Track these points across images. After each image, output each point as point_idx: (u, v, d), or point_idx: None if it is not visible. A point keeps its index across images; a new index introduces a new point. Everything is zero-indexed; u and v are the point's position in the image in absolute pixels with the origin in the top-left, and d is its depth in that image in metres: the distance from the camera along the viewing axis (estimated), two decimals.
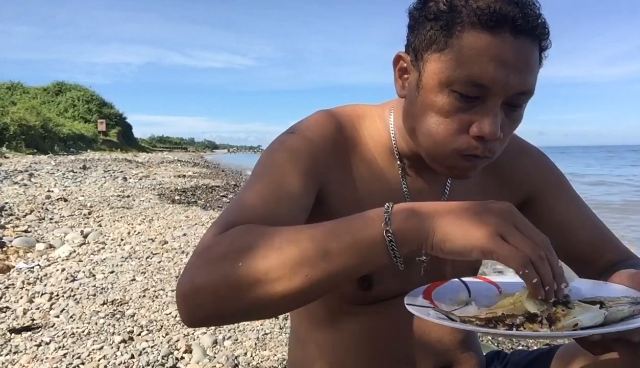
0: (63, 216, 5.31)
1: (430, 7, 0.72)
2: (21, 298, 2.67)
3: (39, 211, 5.46)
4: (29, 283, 2.93)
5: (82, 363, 1.93)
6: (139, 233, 4.57)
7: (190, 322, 0.64)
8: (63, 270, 3.21)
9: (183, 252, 3.78)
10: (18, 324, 2.31)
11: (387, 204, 0.60)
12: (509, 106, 0.72)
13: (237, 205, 0.73)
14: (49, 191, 7.42)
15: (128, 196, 7.33)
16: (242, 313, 0.63)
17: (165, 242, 4.13)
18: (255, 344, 2.14)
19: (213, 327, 2.27)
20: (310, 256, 0.59)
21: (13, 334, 2.19)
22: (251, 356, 2.03)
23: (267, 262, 0.59)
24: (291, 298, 0.60)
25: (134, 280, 3.05)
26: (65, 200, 6.49)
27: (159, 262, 3.47)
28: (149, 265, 3.38)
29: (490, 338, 2.34)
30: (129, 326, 2.30)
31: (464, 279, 0.73)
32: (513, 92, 0.69)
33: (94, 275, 3.13)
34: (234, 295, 0.60)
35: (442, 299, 0.66)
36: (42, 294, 2.73)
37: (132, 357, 1.98)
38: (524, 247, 0.54)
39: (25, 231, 4.43)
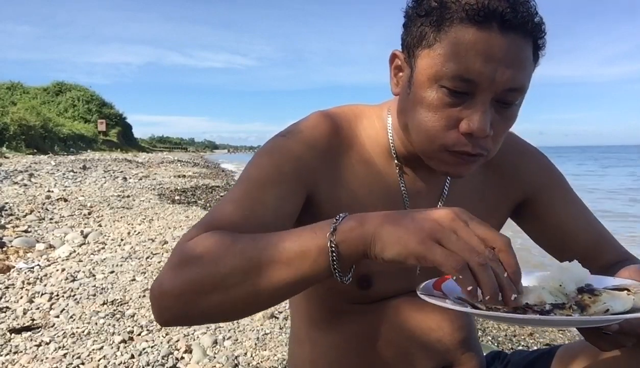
0: (63, 216, 5.30)
1: (422, 5, 0.72)
2: (21, 298, 2.67)
3: (39, 211, 5.46)
4: (29, 283, 2.93)
5: (82, 363, 1.93)
6: (139, 233, 4.57)
7: (161, 321, 0.66)
8: (63, 270, 3.21)
9: None
10: (18, 324, 2.31)
11: (339, 214, 0.60)
12: (500, 103, 0.71)
13: (216, 210, 0.74)
14: (49, 191, 7.42)
15: (128, 196, 7.33)
16: (204, 316, 0.65)
17: (165, 242, 4.12)
18: (255, 344, 2.14)
19: (213, 327, 2.27)
20: (259, 265, 0.60)
21: (13, 334, 2.19)
22: (251, 356, 2.03)
23: (221, 269, 0.61)
24: (245, 304, 0.62)
25: (134, 280, 3.05)
26: (65, 200, 6.49)
27: (159, 262, 3.47)
28: (149, 265, 3.38)
29: (490, 338, 2.34)
30: (129, 326, 2.30)
31: None
32: (502, 88, 0.69)
33: (94, 275, 3.12)
34: (193, 299, 0.62)
35: (451, 293, 0.65)
36: (42, 294, 2.73)
37: (132, 357, 1.98)
38: (460, 250, 0.52)
39: (25, 231, 4.43)
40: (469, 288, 0.52)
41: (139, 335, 2.22)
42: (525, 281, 0.64)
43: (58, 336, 2.16)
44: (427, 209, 0.57)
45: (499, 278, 0.52)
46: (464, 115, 0.70)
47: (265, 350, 2.09)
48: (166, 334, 2.21)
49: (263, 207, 0.74)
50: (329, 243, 0.57)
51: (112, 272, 3.20)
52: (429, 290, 0.65)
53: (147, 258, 3.59)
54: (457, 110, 0.71)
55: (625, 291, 0.59)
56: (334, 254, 0.57)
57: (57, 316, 2.42)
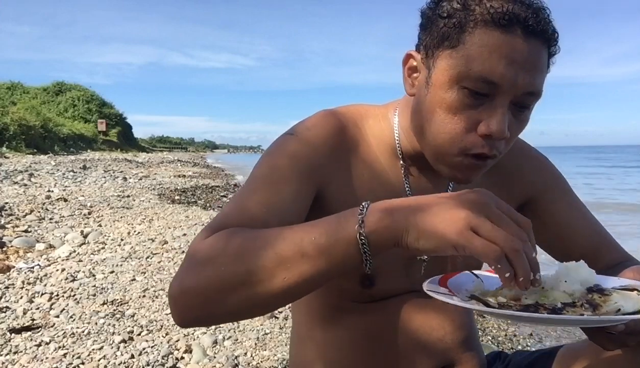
0: (63, 216, 5.30)
1: (444, 6, 0.73)
2: (21, 298, 2.67)
3: (39, 211, 5.46)
4: (29, 283, 2.92)
5: (82, 363, 1.93)
6: (139, 233, 4.56)
7: (181, 322, 0.65)
8: (63, 270, 3.21)
9: (183, 252, 3.78)
10: (18, 324, 2.30)
11: (363, 203, 0.60)
12: (517, 107, 0.72)
13: (228, 209, 0.74)
14: (49, 191, 7.42)
15: (128, 196, 7.33)
16: (229, 314, 0.64)
17: (165, 242, 4.12)
18: (255, 344, 2.13)
19: (213, 327, 2.27)
20: (287, 259, 0.59)
21: (13, 334, 2.19)
22: (251, 356, 2.03)
23: (247, 265, 0.60)
24: (273, 299, 0.61)
25: (134, 280, 3.05)
26: (65, 200, 6.49)
27: (159, 262, 3.47)
28: (149, 265, 3.38)
29: (491, 338, 2.34)
30: (129, 326, 2.30)
31: (475, 271, 0.73)
32: (521, 92, 0.70)
33: (94, 275, 3.12)
34: (219, 297, 0.61)
35: (458, 289, 0.66)
36: (42, 294, 2.73)
37: (132, 357, 1.98)
38: (497, 240, 0.53)
39: (25, 231, 4.42)
40: (507, 274, 0.53)
41: (139, 335, 2.22)
42: None
43: (58, 336, 2.16)
44: (458, 193, 0.58)
45: (530, 259, 0.54)
46: (483, 117, 0.71)
47: (265, 350, 2.09)
48: (166, 334, 2.21)
49: (275, 205, 0.73)
50: (358, 236, 0.57)
51: (112, 272, 3.20)
52: (435, 287, 0.65)
53: (147, 258, 3.59)
54: (476, 112, 0.71)
55: (635, 292, 0.59)
56: (365, 247, 0.57)
57: (57, 316, 2.42)
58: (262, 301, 0.61)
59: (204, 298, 0.61)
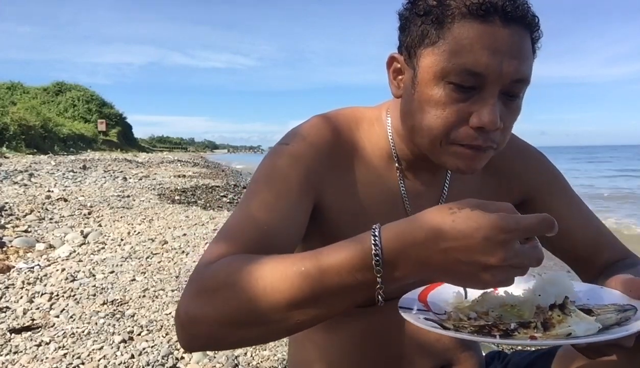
0: (63, 216, 5.30)
1: (419, 5, 0.73)
2: (21, 298, 2.67)
3: (39, 211, 5.46)
4: (29, 283, 2.93)
5: (82, 363, 1.93)
6: (139, 233, 4.56)
7: (188, 349, 0.66)
8: (63, 270, 3.21)
9: (183, 252, 3.78)
10: (18, 324, 2.31)
11: (374, 254, 0.56)
12: (507, 96, 0.72)
13: (233, 221, 0.74)
14: (49, 191, 7.42)
15: (128, 196, 7.33)
16: (239, 344, 0.66)
17: (165, 242, 4.13)
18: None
19: None
20: (300, 303, 0.59)
21: (13, 334, 2.19)
22: (251, 356, 2.03)
23: (258, 307, 0.59)
24: (284, 334, 0.64)
25: (134, 280, 3.05)
26: (65, 200, 6.49)
27: (159, 262, 3.47)
28: (149, 265, 3.38)
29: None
30: (129, 326, 2.30)
31: None
32: (509, 80, 0.69)
33: (94, 275, 3.12)
34: (228, 331, 0.61)
35: (437, 302, 0.67)
36: (42, 294, 2.73)
37: (132, 357, 1.98)
38: (518, 271, 0.55)
39: (25, 231, 4.42)
40: None
41: (139, 335, 2.22)
42: (516, 291, 0.66)
43: (58, 336, 2.17)
44: (473, 253, 0.52)
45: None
46: (473, 109, 0.71)
47: (265, 350, 2.09)
48: (166, 334, 2.21)
49: (281, 214, 0.73)
50: (377, 301, 0.58)
51: (112, 272, 3.20)
52: (412, 301, 0.67)
53: (147, 258, 3.59)
54: (466, 105, 0.71)
55: (594, 317, 0.61)
56: (381, 300, 0.58)
57: (57, 316, 2.42)
58: (273, 336, 0.64)
59: (212, 330, 0.61)
